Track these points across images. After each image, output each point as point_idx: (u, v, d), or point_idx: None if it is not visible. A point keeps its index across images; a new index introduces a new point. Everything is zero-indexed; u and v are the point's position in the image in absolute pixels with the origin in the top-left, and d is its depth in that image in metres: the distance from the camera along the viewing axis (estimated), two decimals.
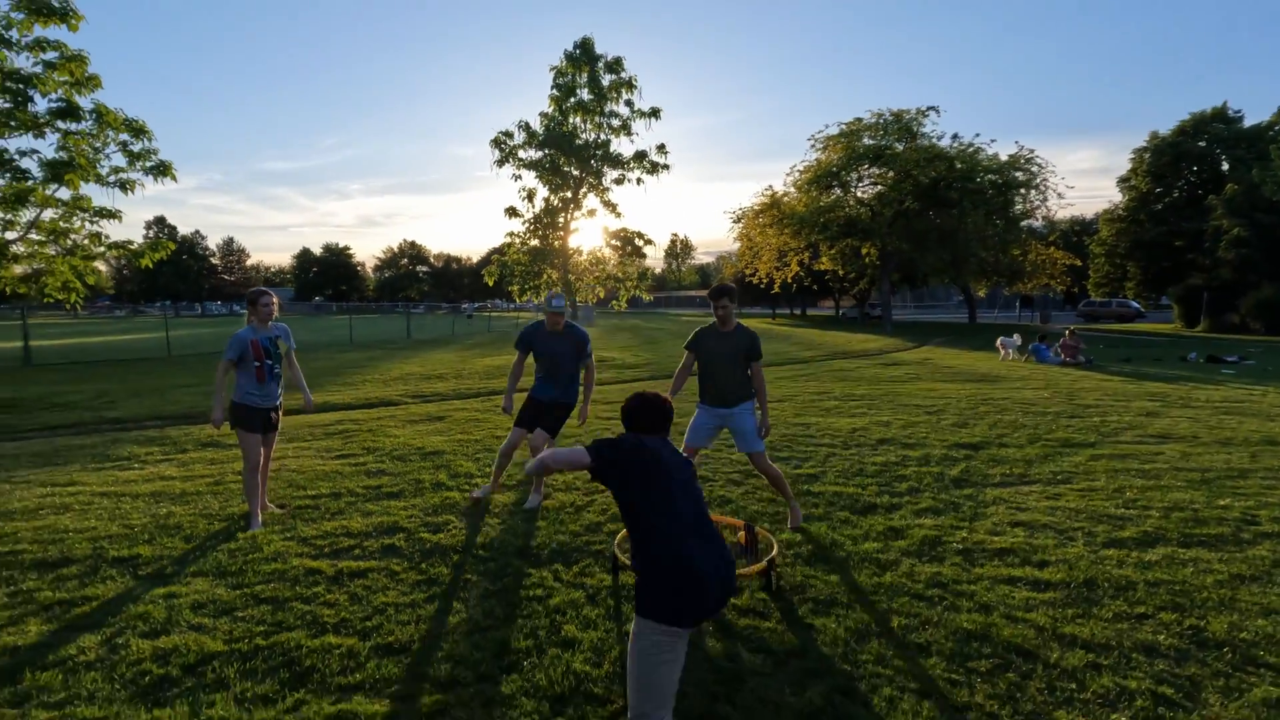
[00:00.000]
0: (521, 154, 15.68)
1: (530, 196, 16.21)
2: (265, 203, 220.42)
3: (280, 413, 4.88)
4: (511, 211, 15.89)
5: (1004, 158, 31.02)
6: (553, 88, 15.70)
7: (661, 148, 16.21)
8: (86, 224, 10.89)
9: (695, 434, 4.55)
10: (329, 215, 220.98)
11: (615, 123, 15.79)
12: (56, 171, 10.31)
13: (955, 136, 29.78)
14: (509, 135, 15.43)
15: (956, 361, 16.27)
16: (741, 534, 4.13)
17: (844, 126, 30.49)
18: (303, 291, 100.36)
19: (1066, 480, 5.45)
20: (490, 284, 16.22)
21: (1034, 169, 31.35)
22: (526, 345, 5.13)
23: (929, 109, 29.51)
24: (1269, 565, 3.68)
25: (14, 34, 10.11)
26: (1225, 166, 35.39)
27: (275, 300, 4.78)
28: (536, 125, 15.62)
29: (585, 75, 15.34)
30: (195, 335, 28.94)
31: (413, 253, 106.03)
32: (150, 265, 11.48)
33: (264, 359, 4.63)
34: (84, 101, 10.75)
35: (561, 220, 16.20)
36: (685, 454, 4.20)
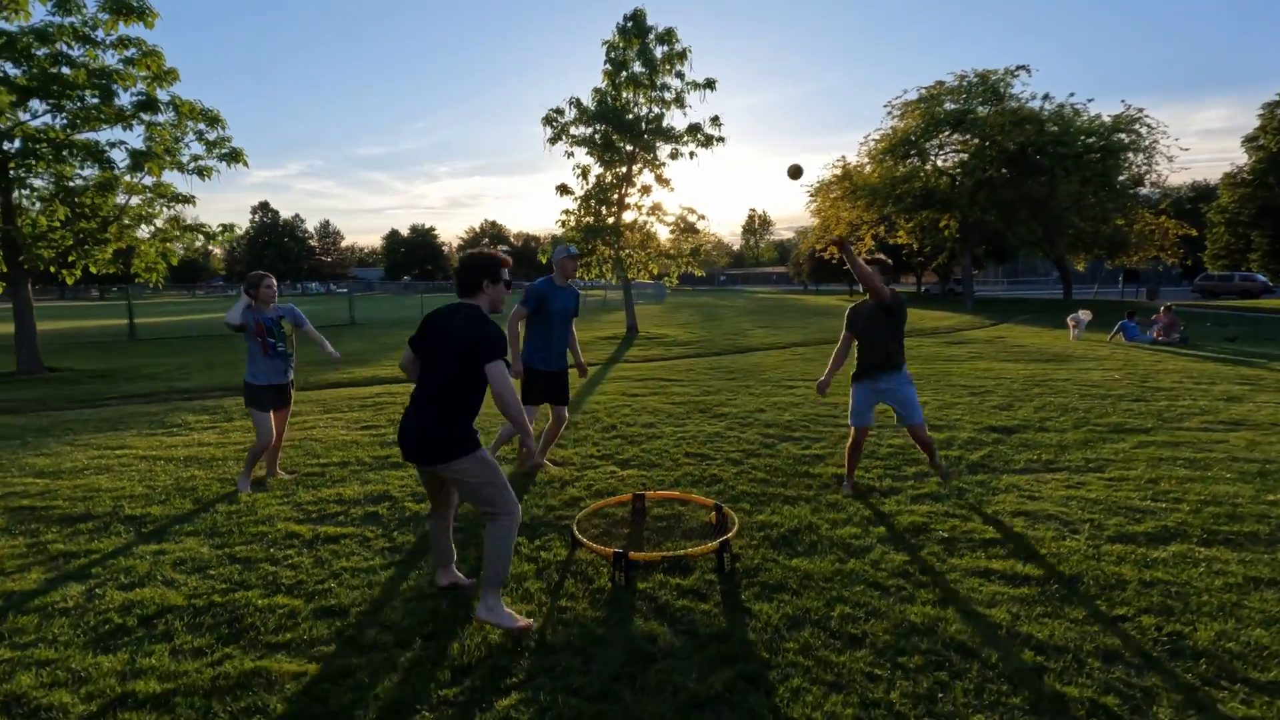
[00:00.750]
0: (573, 130, 15.66)
1: (584, 174, 16.21)
2: (361, 186, 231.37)
3: (291, 389, 5.14)
4: (563, 189, 15.96)
5: (1107, 119, 28.49)
6: (605, 62, 15.60)
7: (715, 119, 15.81)
8: (165, 209, 11.76)
9: (860, 414, 4.58)
10: (419, 198, 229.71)
11: (668, 95, 15.49)
12: (139, 160, 11.17)
13: (1047, 98, 27.50)
14: (560, 112, 15.45)
15: (1032, 340, 15.21)
16: (713, 514, 4.03)
17: (924, 91, 28.78)
18: (392, 271, 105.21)
19: (1098, 468, 5.01)
20: (544, 262, 16.40)
21: (1142, 130, 28.64)
22: (538, 301, 4.86)
23: (1019, 68, 27.39)
24: None
25: (99, 33, 10.98)
26: None
27: (274, 283, 5.01)
28: (588, 101, 15.54)
29: (637, 48, 15.11)
30: None
31: (494, 232, 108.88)
32: (219, 253, 12.35)
33: (266, 336, 4.85)
34: (162, 95, 11.55)
35: (614, 197, 16.13)
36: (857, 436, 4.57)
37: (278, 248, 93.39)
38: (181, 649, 2.73)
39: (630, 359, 12.61)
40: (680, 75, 15.24)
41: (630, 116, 15.39)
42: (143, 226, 12.12)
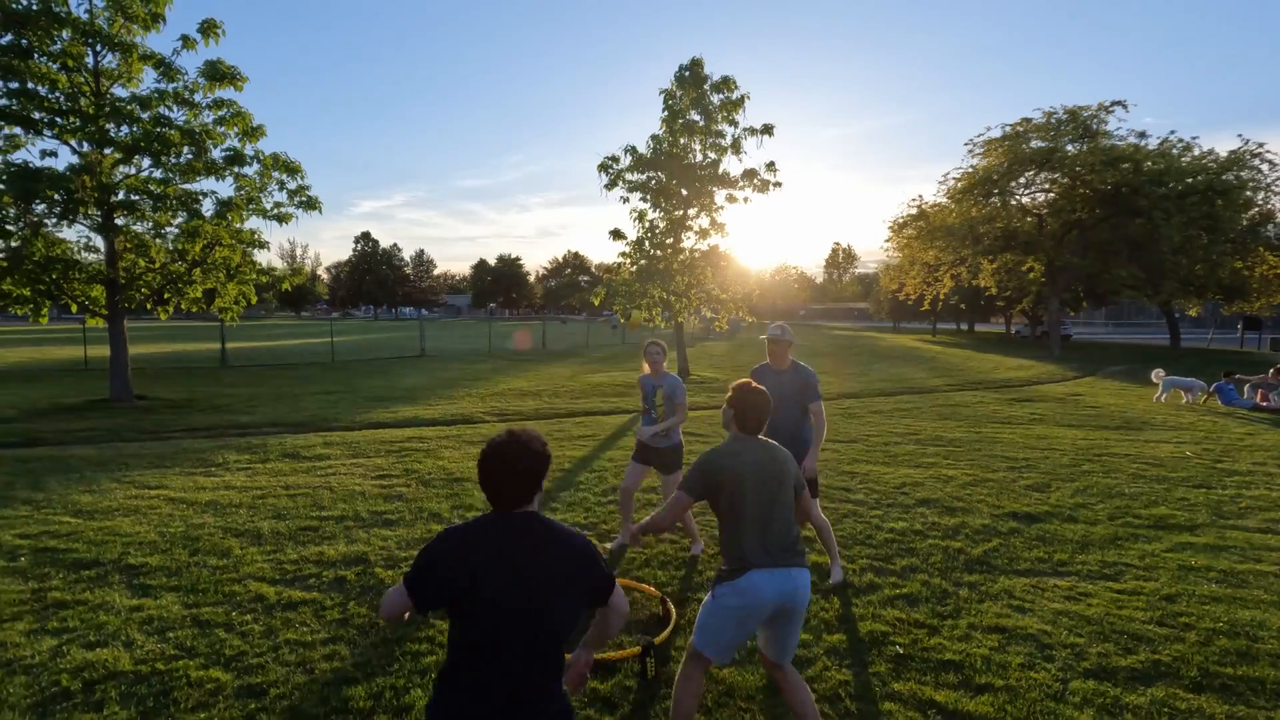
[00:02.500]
0: (629, 176, 15.96)
1: (640, 218, 16.47)
2: (458, 216, 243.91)
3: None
4: (616, 234, 16.24)
5: (1222, 154, 26.32)
6: (663, 109, 15.88)
7: (771, 165, 15.76)
8: (244, 252, 12.80)
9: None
10: (511, 227, 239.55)
11: (724, 142, 15.58)
12: (223, 209, 12.25)
13: (1143, 135, 25.75)
14: (615, 160, 15.79)
15: (1112, 400, 14.06)
16: (659, 607, 3.93)
17: (1008, 129, 27.60)
18: (478, 299, 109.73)
19: (1114, 575, 4.55)
20: (596, 304, 16.68)
21: (1264, 167, 26.29)
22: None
23: (1114, 104, 25.86)
24: None
25: (198, 96, 12.20)
26: None
27: (662, 350, 5.03)
28: (643, 148, 15.83)
29: (693, 96, 15.32)
30: (363, 340, 32.68)
31: (575, 262, 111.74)
32: (290, 289, 13.26)
33: (644, 401, 5.04)
34: (248, 149, 12.66)
35: (670, 241, 16.28)
36: None
37: (376, 275, 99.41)
38: None
39: None
40: (734, 123, 15.30)
41: (686, 162, 15.55)
42: (222, 269, 13.21)
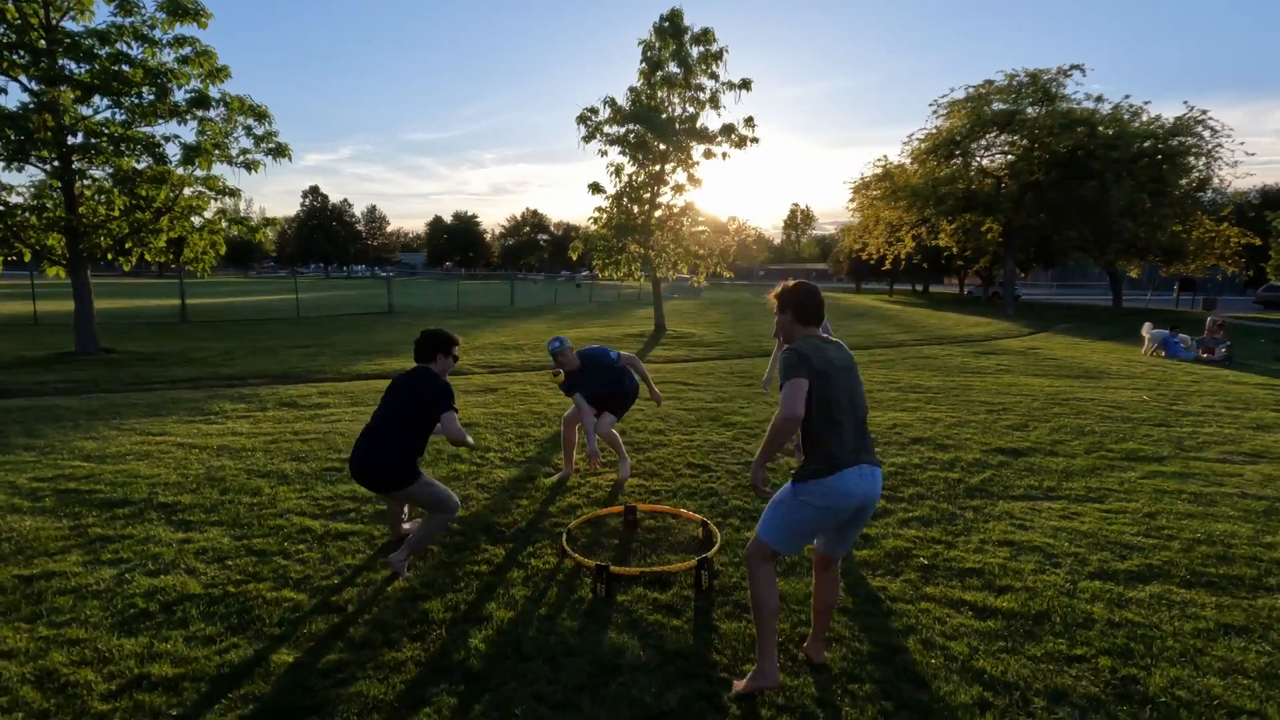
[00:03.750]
0: (607, 130, 15.81)
1: (618, 172, 16.37)
2: (409, 171, 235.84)
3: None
4: (595, 187, 16.13)
5: (1168, 120, 27.38)
6: (641, 61, 15.69)
7: (749, 120, 15.78)
8: (213, 201, 12.33)
9: None
10: (464, 184, 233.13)
11: (703, 96, 15.52)
12: (190, 155, 11.73)
13: (1100, 99, 26.58)
14: (594, 111, 15.60)
15: (1068, 352, 14.87)
16: (700, 530, 4.18)
17: (971, 90, 28.09)
18: (434, 257, 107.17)
19: (1098, 499, 4.99)
20: (574, 259, 16.64)
21: (1205, 133, 27.46)
22: (574, 386, 5.39)
23: (1072, 68, 26.52)
24: (1272, 619, 3.25)
25: (157, 32, 11.54)
26: None
27: None
28: (622, 100, 15.67)
29: (672, 48, 15.16)
30: (326, 298, 31.88)
31: (534, 221, 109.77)
32: (263, 239, 12.86)
33: None
34: (214, 91, 12.09)
35: (647, 195, 16.26)
36: None
37: (326, 231, 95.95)
38: (195, 636, 3.01)
39: (654, 359, 12.76)
40: (715, 76, 15.23)
41: (665, 116, 15.47)
42: (193, 218, 12.70)
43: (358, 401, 8.16)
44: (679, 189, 16.73)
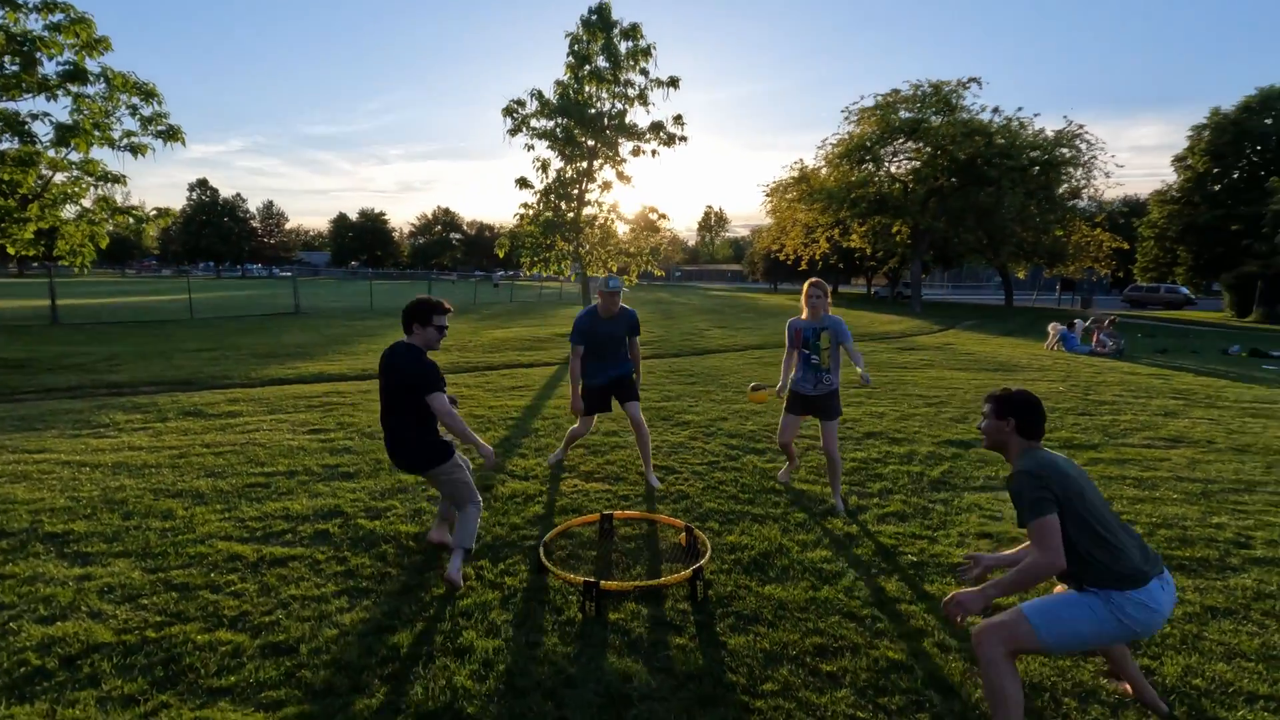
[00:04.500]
0: (534, 123, 15.34)
1: (544, 167, 15.91)
2: (307, 166, 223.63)
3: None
4: (522, 182, 15.62)
5: (1050, 133, 29.62)
6: (568, 54, 15.31)
7: (678, 118, 15.71)
8: (93, 188, 10.99)
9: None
10: (368, 180, 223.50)
11: (631, 92, 15.31)
12: (64, 135, 10.40)
13: (996, 110, 28.43)
14: (521, 104, 15.10)
15: (979, 348, 15.67)
16: (682, 536, 3.94)
17: (880, 99, 29.35)
18: (339, 256, 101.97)
19: None
20: (501, 256, 16.06)
21: (1082, 145, 29.88)
22: (585, 336, 5.00)
23: (970, 80, 28.20)
24: (1249, 598, 3.36)
25: None
26: None
27: (825, 292, 4.71)
28: (550, 93, 15.24)
29: (600, 42, 14.87)
30: (222, 298, 29.56)
31: (446, 219, 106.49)
32: (154, 232, 11.60)
33: (798, 347, 4.76)
34: (92, 65, 10.79)
35: (575, 192, 15.90)
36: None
37: (216, 227, 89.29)
38: (110, 696, 2.48)
39: None
40: (644, 72, 15.06)
41: (593, 111, 15.15)
42: (68, 206, 11.30)
43: (275, 409, 7.41)
44: (607, 186, 16.45)
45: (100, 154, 19.53)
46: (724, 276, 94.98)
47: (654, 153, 15.80)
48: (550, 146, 15.48)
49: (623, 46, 15.11)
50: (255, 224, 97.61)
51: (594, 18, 14.80)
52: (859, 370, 4.36)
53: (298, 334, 15.62)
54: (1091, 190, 31.95)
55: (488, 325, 19.24)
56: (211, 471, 5.13)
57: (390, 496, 4.63)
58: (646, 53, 15.04)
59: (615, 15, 14.86)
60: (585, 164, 15.87)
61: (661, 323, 21.12)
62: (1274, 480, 5.36)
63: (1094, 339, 15.36)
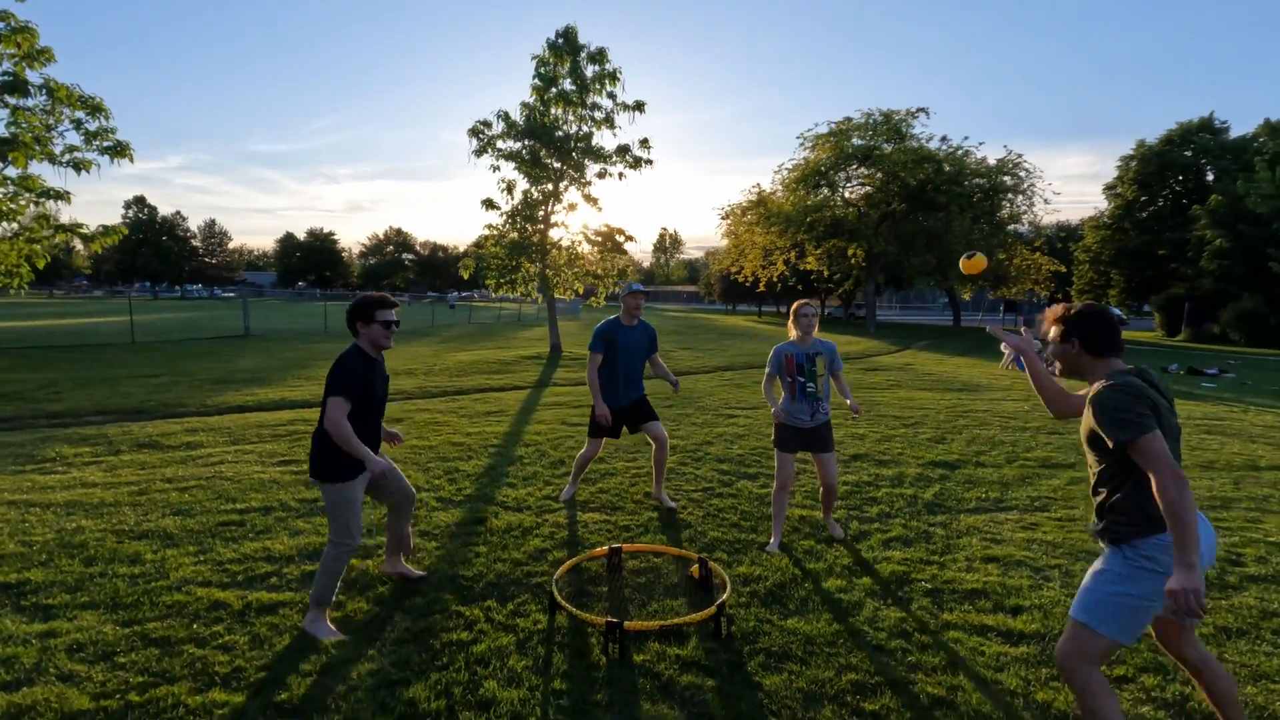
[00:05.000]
0: (500, 144, 15.22)
1: (509, 189, 15.77)
2: (252, 185, 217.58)
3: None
4: (489, 203, 15.45)
5: (992, 162, 30.98)
6: (534, 77, 15.29)
7: (644, 142, 15.82)
8: (32, 205, 10.35)
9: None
10: (316, 200, 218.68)
11: (598, 115, 15.36)
12: (2, 149, 9.79)
13: (944, 139, 29.63)
14: (487, 125, 14.97)
15: (938, 368, 16.07)
16: (695, 568, 3.82)
17: (833, 126, 30.25)
18: (285, 276, 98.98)
19: (1044, 507, 5.20)
20: (465, 277, 15.78)
21: (1021, 174, 31.33)
22: (607, 343, 4.85)
23: (919, 110, 29.33)
24: (1256, 616, 3.42)
25: None
26: (1210, 177, 35.56)
27: (815, 313, 4.50)
28: (517, 115, 15.17)
29: (568, 65, 14.91)
30: (164, 320, 28.26)
31: (399, 240, 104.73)
32: (99, 250, 10.97)
33: (790, 374, 4.41)
34: (34, 76, 10.23)
35: (541, 214, 15.79)
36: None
37: (155, 246, 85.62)
38: None
39: (559, 381, 12.25)
40: (612, 96, 15.14)
41: (560, 134, 15.13)
42: (2, 224, 10.62)
43: (238, 439, 7.01)
44: (573, 207, 16.40)
45: (40, 169, 18.54)
46: (680, 297, 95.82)
47: (621, 175, 15.84)
48: (517, 168, 15.37)
49: (589, 70, 15.18)
50: (196, 243, 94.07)
51: (561, 41, 14.84)
52: (848, 401, 4.26)
53: (251, 358, 14.96)
54: (1032, 216, 33.51)
55: (449, 348, 18.82)
56: (178, 509, 4.78)
57: (379, 533, 4.38)
58: (614, 76, 15.13)
59: (582, 39, 14.94)
60: (551, 186, 15.81)
61: None
62: (1245, 496, 5.57)
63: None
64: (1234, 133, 35.88)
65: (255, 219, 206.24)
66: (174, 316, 32.06)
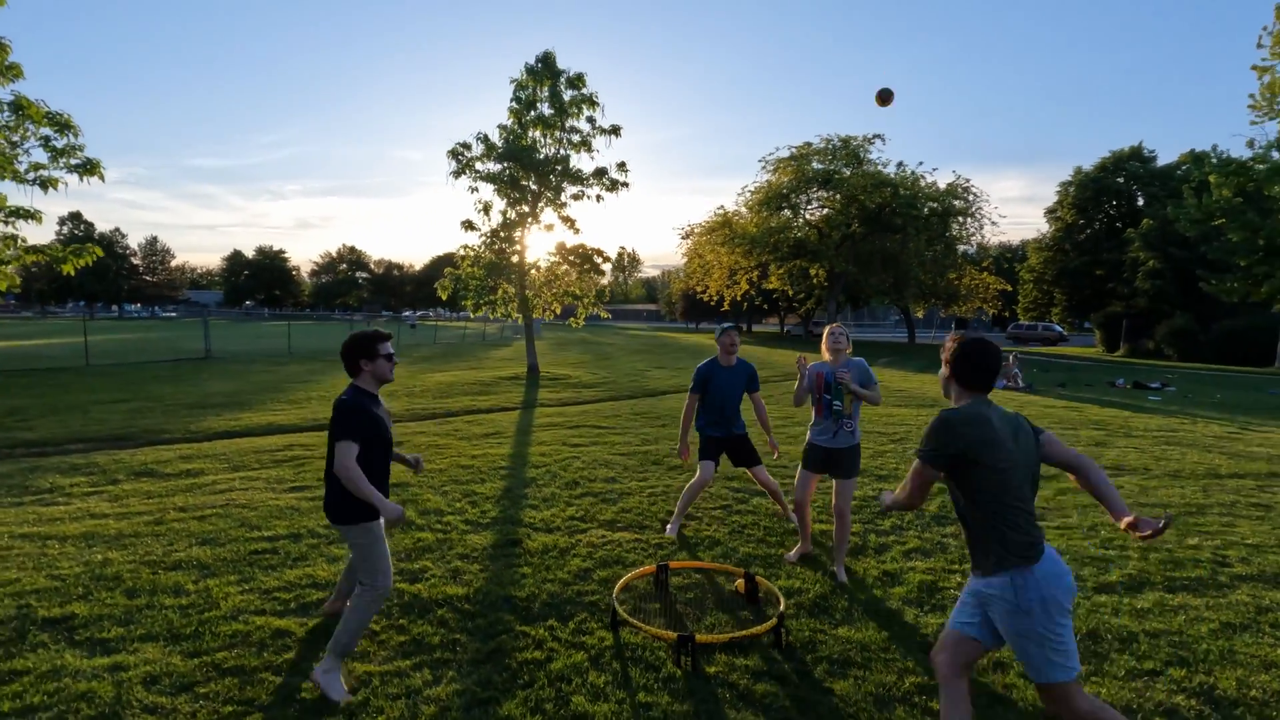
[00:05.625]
0: (479, 166, 15.30)
1: (486, 210, 15.84)
2: (193, 200, 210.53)
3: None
4: (468, 225, 15.47)
5: (942, 185, 32.42)
6: (512, 100, 15.45)
7: (622, 165, 16.11)
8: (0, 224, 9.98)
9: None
10: (261, 216, 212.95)
11: (575, 139, 15.60)
12: None
13: (900, 164, 30.86)
14: (467, 147, 15.05)
15: (907, 384, 16.67)
16: (740, 583, 3.98)
17: (794, 150, 31.20)
18: (233, 295, 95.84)
19: (1040, 517, 5.54)
20: (444, 298, 15.71)
21: (970, 197, 32.84)
22: (703, 384, 4.96)
23: (875, 136, 30.54)
24: (1253, 612, 3.77)
25: None
26: (1141, 202, 37.88)
27: (846, 336, 4.54)
28: (495, 137, 15.29)
29: (546, 89, 15.13)
30: (114, 343, 27.12)
31: (352, 258, 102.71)
32: (72, 272, 10.62)
33: (818, 393, 4.50)
34: (3, 93, 9.90)
35: (518, 235, 15.88)
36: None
37: (93, 265, 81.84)
38: None
39: (546, 402, 12.29)
40: (591, 120, 15.41)
41: (540, 156, 15.30)
42: None
43: (238, 465, 6.88)
44: (549, 229, 16.55)
45: (4, 188, 17.73)
46: (640, 316, 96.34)
47: (599, 198, 16.08)
48: (497, 191, 15.46)
49: (567, 94, 15.44)
50: (136, 261, 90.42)
51: (540, 66, 15.07)
52: (863, 392, 4.39)
53: (220, 381, 14.54)
54: (980, 237, 35.09)
55: (422, 369, 18.61)
56: (204, 539, 4.71)
57: (418, 557, 4.42)
58: (592, 101, 15.42)
59: (560, 65, 15.20)
60: (528, 207, 15.93)
61: (599, 364, 21.16)
62: (1215, 503, 6.03)
63: (1006, 376, 16.71)
64: (1161, 161, 38.38)
65: (197, 236, 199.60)
66: (122, 338, 30.76)
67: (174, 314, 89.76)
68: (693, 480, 5.01)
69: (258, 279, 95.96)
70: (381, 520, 3.01)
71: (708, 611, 3.75)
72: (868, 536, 5.01)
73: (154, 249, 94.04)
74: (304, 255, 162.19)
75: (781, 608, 3.47)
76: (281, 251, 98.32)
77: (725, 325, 5.06)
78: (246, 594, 3.84)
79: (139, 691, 2.86)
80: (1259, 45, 26.12)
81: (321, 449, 7.71)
